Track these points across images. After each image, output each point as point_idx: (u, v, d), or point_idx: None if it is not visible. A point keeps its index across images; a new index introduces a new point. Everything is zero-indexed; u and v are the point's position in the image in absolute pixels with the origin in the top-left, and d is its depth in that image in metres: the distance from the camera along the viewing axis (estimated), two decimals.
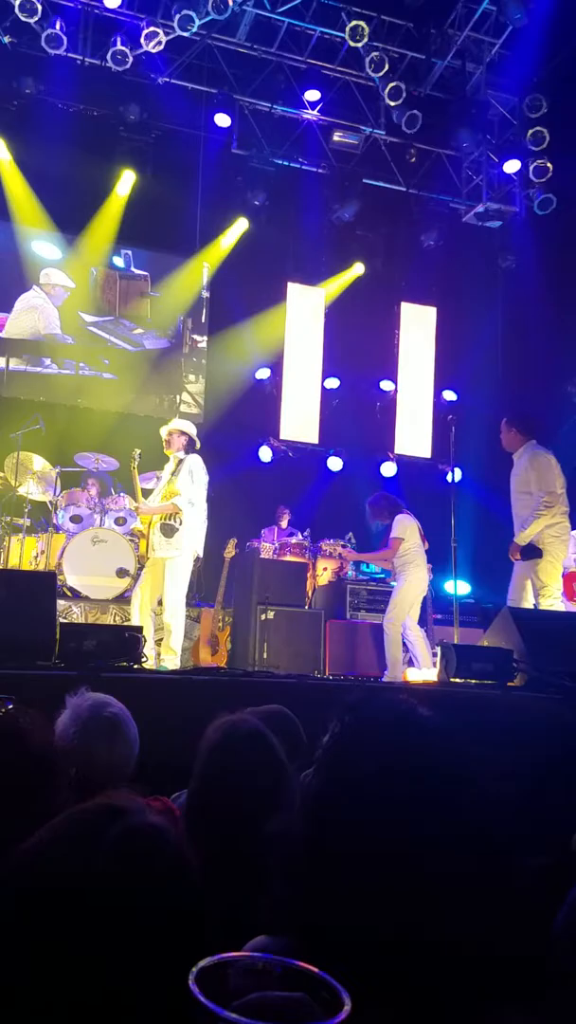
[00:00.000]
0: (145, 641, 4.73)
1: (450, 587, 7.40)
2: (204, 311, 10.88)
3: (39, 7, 8.26)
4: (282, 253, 10.72)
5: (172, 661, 6.16)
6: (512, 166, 10.03)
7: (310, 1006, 0.76)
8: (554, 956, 1.51)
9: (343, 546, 8.54)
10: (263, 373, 10.73)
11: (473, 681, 4.89)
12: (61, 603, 7.19)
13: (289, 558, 8.29)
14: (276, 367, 10.69)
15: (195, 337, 10.88)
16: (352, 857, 1.00)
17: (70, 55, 8.82)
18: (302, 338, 10.81)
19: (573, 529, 6.67)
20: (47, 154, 9.15)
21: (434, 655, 6.36)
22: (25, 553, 7.94)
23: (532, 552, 5.99)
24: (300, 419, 10.70)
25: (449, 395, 11.05)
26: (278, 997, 0.77)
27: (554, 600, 6.00)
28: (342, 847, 1.02)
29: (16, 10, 8.20)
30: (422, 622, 7.33)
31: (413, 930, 0.95)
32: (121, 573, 7.82)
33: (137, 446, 6.88)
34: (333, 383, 10.93)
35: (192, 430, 6.71)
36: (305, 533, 8.83)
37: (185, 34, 8.76)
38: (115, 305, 10.48)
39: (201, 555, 6.68)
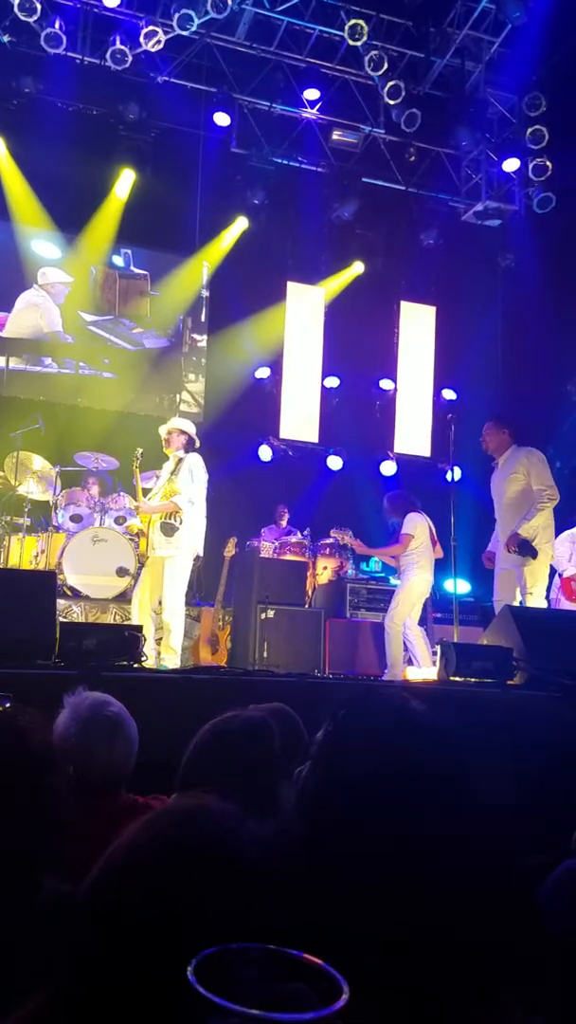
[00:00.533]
0: (145, 640, 4.73)
1: (450, 586, 7.41)
2: (204, 310, 10.88)
3: (38, 6, 8.27)
4: (281, 252, 10.72)
5: (172, 660, 6.16)
6: (511, 165, 10.04)
7: (308, 995, 0.76)
8: (546, 926, 1.52)
9: (343, 545, 8.53)
10: (263, 372, 10.73)
11: (473, 680, 4.89)
12: (61, 602, 7.19)
13: (289, 557, 8.29)
14: (276, 366, 10.69)
15: (195, 336, 10.88)
16: (347, 854, 1.00)
17: (69, 54, 8.82)
18: (302, 337, 10.81)
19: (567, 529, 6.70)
20: (46, 153, 9.15)
21: (434, 654, 6.36)
22: (25, 552, 7.94)
23: (528, 548, 5.98)
24: (300, 418, 10.70)
25: (449, 394, 11.05)
26: (276, 987, 0.78)
27: (539, 599, 6.01)
28: (337, 844, 1.02)
29: (15, 9, 8.21)
30: (422, 621, 7.33)
31: (410, 927, 0.95)
32: (121, 572, 7.82)
33: (137, 445, 6.88)
34: (333, 382, 10.93)
35: (191, 429, 6.71)
36: (305, 532, 8.83)
37: (184, 33, 8.76)
38: (115, 304, 10.48)
39: (201, 554, 6.68)
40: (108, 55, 8.67)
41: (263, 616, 7.13)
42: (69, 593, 7.77)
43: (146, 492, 6.76)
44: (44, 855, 1.56)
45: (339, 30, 9.11)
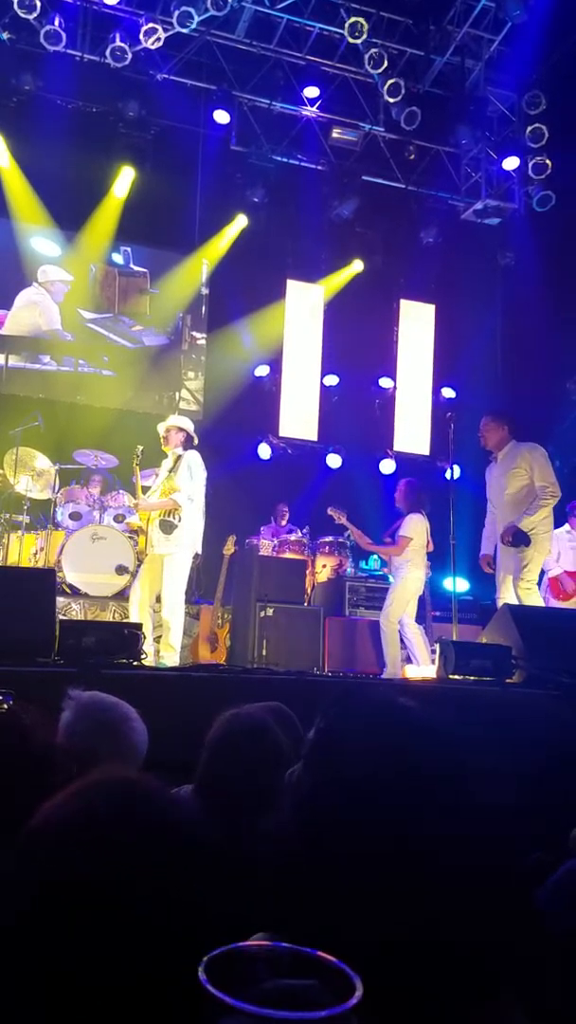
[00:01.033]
0: (144, 638, 4.73)
1: (449, 584, 7.41)
2: (203, 308, 10.87)
3: (38, 3, 8.26)
4: (281, 250, 10.71)
5: (171, 658, 6.16)
6: (511, 163, 10.04)
7: (322, 992, 0.76)
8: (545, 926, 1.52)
9: (341, 543, 8.53)
10: (262, 370, 10.73)
11: (472, 678, 4.90)
12: (60, 600, 7.19)
13: (288, 555, 8.29)
14: (275, 364, 10.69)
15: (194, 334, 10.87)
16: (341, 852, 1.00)
17: (69, 52, 8.81)
18: (301, 335, 10.81)
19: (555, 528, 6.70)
20: (46, 151, 9.13)
21: (433, 652, 6.37)
22: (24, 550, 7.94)
23: (522, 539, 6.01)
24: (299, 416, 10.70)
25: (448, 392, 11.05)
26: (289, 984, 0.78)
27: (533, 590, 6.05)
28: (330, 842, 1.02)
29: (15, 7, 8.20)
30: (420, 619, 7.34)
31: (406, 927, 0.95)
32: (120, 570, 7.82)
33: (136, 443, 6.87)
34: (332, 380, 10.93)
35: (190, 426, 6.71)
36: (304, 530, 8.83)
37: (184, 30, 8.75)
38: (114, 302, 10.47)
39: (200, 552, 6.68)
40: (108, 52, 8.66)
41: (262, 614, 7.13)
42: (68, 591, 7.78)
43: (145, 490, 6.77)
44: None
45: (339, 28, 9.11)
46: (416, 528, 6.96)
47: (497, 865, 1.03)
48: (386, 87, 9.24)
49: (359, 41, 8.98)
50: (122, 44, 8.64)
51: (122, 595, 7.73)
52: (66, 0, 8.75)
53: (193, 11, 8.56)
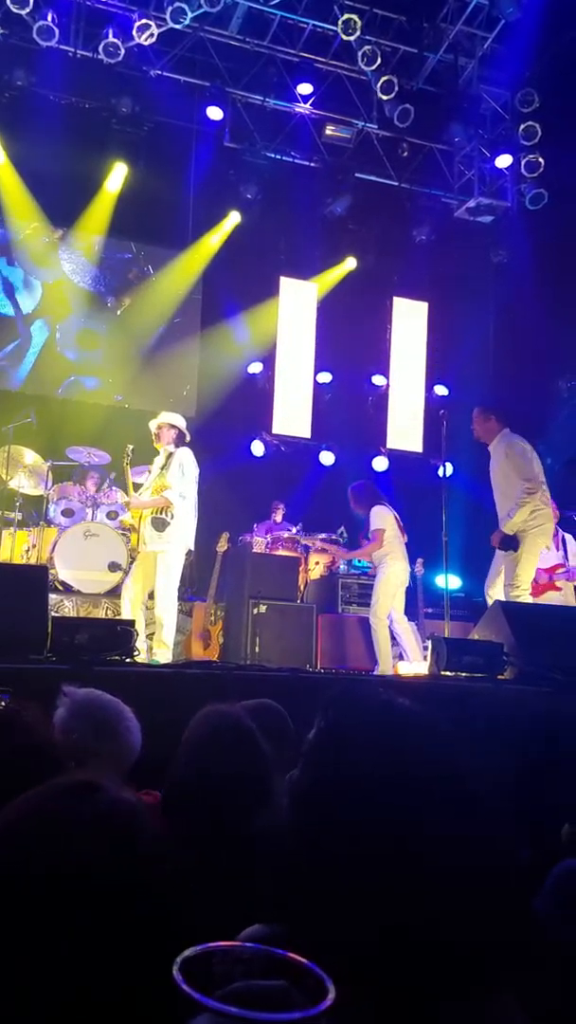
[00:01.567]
0: (137, 635, 4.73)
1: (441, 581, 7.42)
2: (196, 304, 10.86)
3: None
4: (274, 247, 10.71)
5: (164, 655, 6.16)
6: (504, 161, 10.05)
7: (294, 994, 0.77)
8: (541, 930, 1.53)
9: (334, 540, 8.55)
10: (255, 367, 10.72)
11: (464, 674, 4.91)
12: (53, 597, 7.19)
13: (281, 552, 8.30)
14: (268, 361, 10.69)
15: (187, 330, 10.85)
16: (340, 851, 1.01)
17: (62, 47, 8.78)
18: (294, 332, 10.80)
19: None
20: (38, 147, 9.10)
21: (425, 648, 6.38)
22: (16, 547, 7.93)
23: (510, 543, 6.02)
24: (292, 413, 10.70)
25: (441, 390, 11.06)
26: (261, 985, 0.78)
27: (523, 592, 6.02)
28: (330, 840, 1.03)
29: (7, 2, 8.16)
30: (413, 615, 7.35)
31: (401, 921, 0.95)
32: (113, 567, 7.81)
33: (129, 440, 6.87)
34: (325, 377, 10.93)
35: (182, 423, 6.70)
36: (297, 527, 8.84)
37: (177, 27, 8.73)
38: (108, 297, 10.48)
39: (192, 548, 6.68)
40: (101, 48, 8.63)
41: (255, 611, 7.13)
42: (60, 588, 7.77)
43: (137, 487, 6.76)
44: None
45: (332, 25, 9.09)
46: (383, 517, 7.06)
47: (494, 863, 1.04)
48: (379, 84, 9.23)
49: (352, 38, 8.96)
50: (115, 40, 8.60)
51: (115, 592, 7.73)
52: None
53: (186, 7, 8.54)
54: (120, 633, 4.52)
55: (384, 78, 9.20)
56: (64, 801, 0.96)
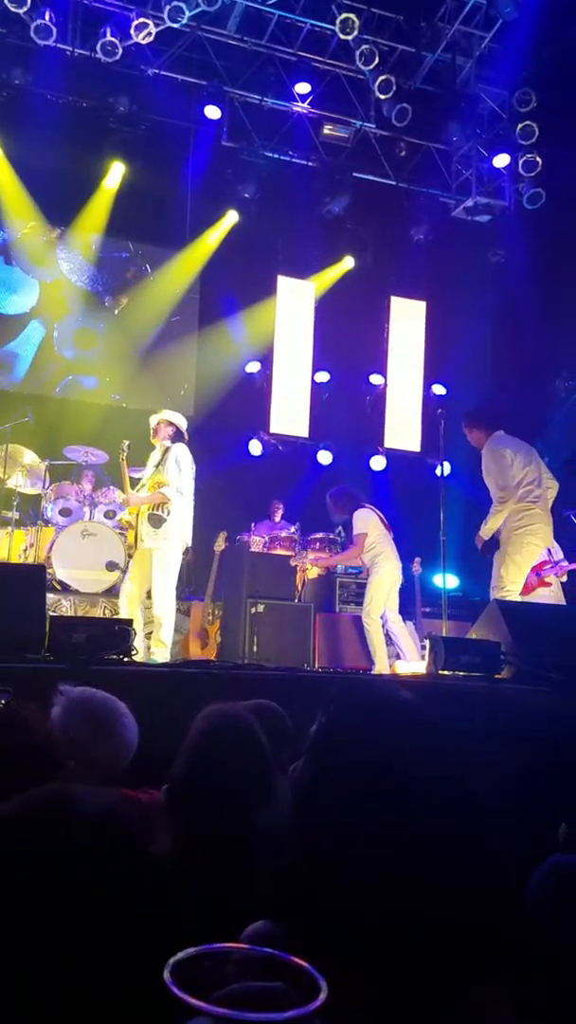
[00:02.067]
0: (135, 634, 4.73)
1: (439, 580, 7.43)
2: (194, 304, 10.85)
3: None
4: (272, 246, 10.71)
5: (162, 654, 6.15)
6: (502, 160, 10.05)
7: (288, 994, 0.77)
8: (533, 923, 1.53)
9: (332, 540, 8.54)
10: (253, 367, 10.71)
11: (461, 673, 4.92)
12: (50, 597, 7.18)
13: (279, 551, 8.29)
14: (266, 361, 10.68)
15: (185, 330, 10.85)
16: (341, 846, 1.01)
17: (59, 46, 8.77)
18: (292, 332, 10.80)
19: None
20: (36, 146, 9.09)
21: (422, 648, 6.38)
22: (14, 546, 7.92)
23: (488, 547, 6.05)
24: (290, 413, 10.70)
25: (439, 389, 11.06)
26: (255, 987, 0.78)
27: (507, 594, 5.99)
28: (331, 837, 1.03)
29: (5, 1, 8.15)
30: (410, 615, 7.35)
31: (401, 920, 0.96)
32: (111, 566, 7.81)
33: (127, 439, 6.87)
34: (323, 377, 10.93)
35: (181, 421, 6.70)
36: (295, 527, 8.84)
37: (175, 25, 8.72)
38: (106, 297, 10.47)
39: (190, 544, 6.67)
40: (98, 47, 8.62)
41: (253, 610, 7.13)
42: (58, 587, 7.76)
43: (135, 483, 6.75)
44: None
45: (330, 24, 9.09)
46: (366, 521, 7.04)
47: (493, 863, 1.04)
48: (377, 84, 9.24)
49: (350, 37, 8.96)
50: (113, 39, 8.60)
51: (112, 591, 7.72)
52: None
53: (184, 6, 8.53)
54: (118, 632, 4.52)
55: (382, 77, 9.20)
56: (46, 809, 0.97)
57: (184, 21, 8.69)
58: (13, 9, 8.21)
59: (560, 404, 10.12)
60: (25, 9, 8.24)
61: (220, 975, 0.81)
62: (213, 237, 10.36)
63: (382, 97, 9.35)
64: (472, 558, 6.84)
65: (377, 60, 9.12)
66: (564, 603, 6.36)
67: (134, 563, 6.47)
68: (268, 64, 9.58)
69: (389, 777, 1.02)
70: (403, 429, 11.06)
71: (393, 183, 10.52)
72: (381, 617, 6.98)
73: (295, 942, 0.86)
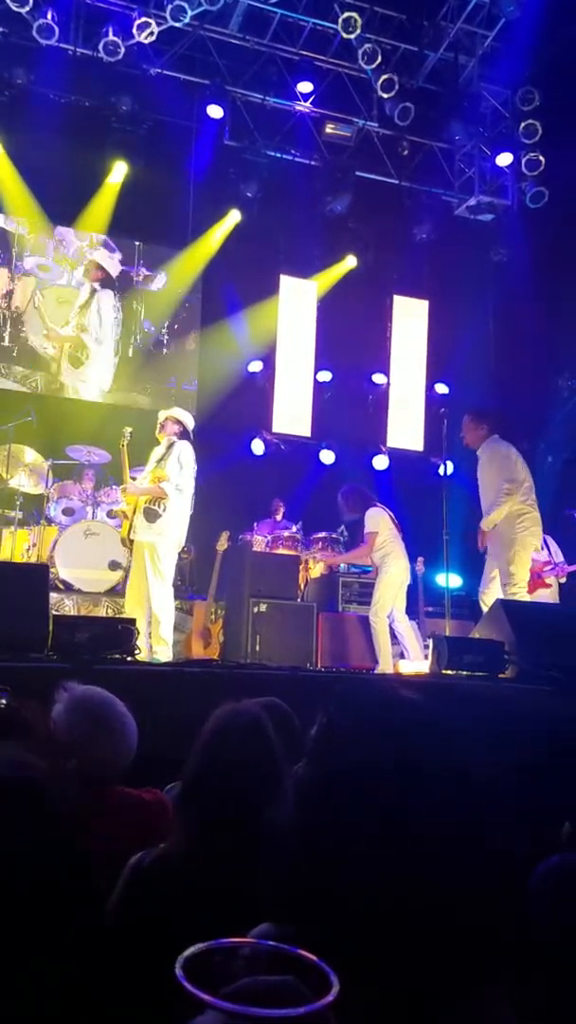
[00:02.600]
0: (139, 633, 4.73)
1: (442, 580, 7.43)
2: (196, 303, 10.85)
3: None
4: (274, 246, 10.70)
5: (164, 651, 6.13)
6: (504, 159, 10.03)
7: (299, 989, 0.77)
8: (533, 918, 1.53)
9: (334, 539, 8.54)
10: (255, 366, 10.71)
11: (465, 673, 4.92)
12: (53, 596, 7.18)
13: (282, 551, 8.29)
14: (268, 360, 10.68)
15: (187, 329, 10.85)
16: (343, 845, 1.01)
17: (62, 45, 8.77)
18: (294, 331, 10.79)
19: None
20: (38, 145, 9.11)
21: (426, 647, 6.39)
22: (17, 546, 7.93)
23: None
24: (292, 412, 10.69)
25: (441, 388, 11.05)
26: (267, 981, 0.78)
27: (519, 590, 6.10)
28: (332, 837, 1.03)
29: (7, 0, 8.15)
30: (414, 614, 7.35)
31: (401, 917, 0.96)
32: (113, 566, 7.81)
33: (129, 439, 6.87)
34: (325, 376, 10.92)
35: (188, 421, 6.70)
36: (297, 526, 8.84)
37: (177, 25, 8.72)
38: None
39: (184, 546, 6.66)
40: (101, 47, 8.62)
41: (255, 610, 7.13)
42: (61, 587, 7.77)
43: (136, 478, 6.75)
44: None
45: (333, 23, 9.08)
46: (377, 520, 7.05)
47: (495, 862, 1.04)
48: (380, 83, 9.23)
49: (353, 36, 8.95)
50: (115, 38, 8.60)
51: (115, 591, 7.73)
52: None
53: (186, 5, 8.53)
54: (120, 632, 4.53)
55: (384, 76, 9.20)
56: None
57: (186, 20, 8.69)
58: (15, 8, 8.22)
59: (562, 403, 10.11)
60: (27, 9, 8.24)
61: (231, 970, 0.81)
62: (215, 236, 10.36)
63: (384, 96, 9.34)
64: (475, 557, 6.83)
65: (379, 59, 9.12)
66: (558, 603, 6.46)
67: (133, 560, 6.48)
68: (270, 63, 9.58)
69: (390, 777, 1.02)
70: (405, 428, 11.05)
71: (395, 182, 10.51)
72: (388, 616, 6.98)
73: (297, 943, 0.86)
